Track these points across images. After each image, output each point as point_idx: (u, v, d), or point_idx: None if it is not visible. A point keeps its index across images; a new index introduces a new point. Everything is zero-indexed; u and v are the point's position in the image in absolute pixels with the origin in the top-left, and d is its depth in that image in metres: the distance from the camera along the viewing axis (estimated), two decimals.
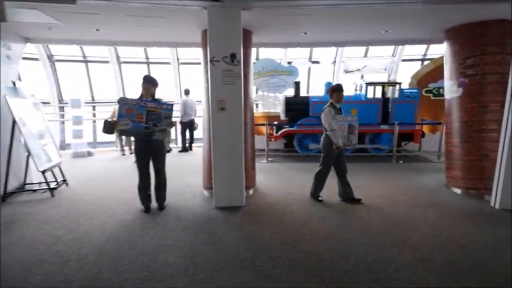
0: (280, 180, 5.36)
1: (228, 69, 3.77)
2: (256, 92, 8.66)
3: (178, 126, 8.31)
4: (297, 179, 5.44)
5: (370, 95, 7.23)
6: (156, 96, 3.78)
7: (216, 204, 3.99)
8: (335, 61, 9.39)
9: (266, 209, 3.94)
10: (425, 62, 8.74)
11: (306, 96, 7.54)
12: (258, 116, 8.34)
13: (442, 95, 7.50)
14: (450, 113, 4.73)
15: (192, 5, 3.56)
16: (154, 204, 3.94)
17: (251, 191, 4.61)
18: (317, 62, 9.48)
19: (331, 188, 4.37)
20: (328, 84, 7.79)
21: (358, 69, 9.31)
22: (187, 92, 7.97)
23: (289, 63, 8.98)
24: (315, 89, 9.78)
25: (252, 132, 4.79)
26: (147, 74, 3.81)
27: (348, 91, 9.08)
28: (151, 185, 3.91)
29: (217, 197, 4.00)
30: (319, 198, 4.23)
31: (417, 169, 6.13)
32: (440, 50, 8.17)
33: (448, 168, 4.79)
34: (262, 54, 9.37)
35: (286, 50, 9.02)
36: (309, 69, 9.73)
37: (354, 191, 4.21)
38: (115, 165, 6.67)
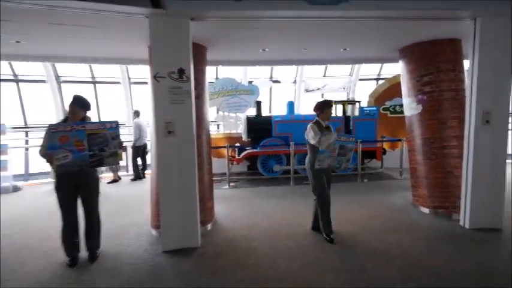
0: (243, 210, 4.80)
1: (176, 86, 3.24)
2: (217, 113, 8.19)
3: (129, 151, 7.42)
4: (262, 206, 4.93)
5: (332, 114, 7.15)
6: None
7: (164, 247, 3.29)
8: (295, 80, 9.37)
9: (226, 249, 3.34)
10: (380, 81, 9.08)
11: (268, 116, 7.23)
12: (218, 138, 7.82)
13: (399, 112, 7.74)
14: (412, 130, 4.67)
15: (129, 12, 3.03)
16: (84, 253, 3.13)
17: (209, 226, 3.98)
18: (278, 82, 9.38)
19: (297, 215, 3.93)
20: (291, 103, 7.62)
21: (319, 88, 9.37)
22: (137, 114, 7.21)
23: (250, 82, 8.73)
24: (276, 108, 9.61)
25: (209, 158, 4.23)
26: (77, 94, 3.08)
27: (309, 110, 9.14)
28: (81, 229, 3.12)
29: (166, 239, 3.31)
30: (331, 237, 3.48)
31: (382, 187, 6.01)
32: (394, 68, 8.60)
33: (414, 187, 4.66)
34: (222, 73, 9.03)
35: (246, 68, 8.79)
36: (270, 88, 9.58)
37: None
38: (46, 203, 5.57)
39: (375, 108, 7.24)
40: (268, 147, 6.81)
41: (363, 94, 8.79)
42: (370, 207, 4.74)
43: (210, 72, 8.70)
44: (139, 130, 7.11)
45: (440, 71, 4.35)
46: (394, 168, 7.13)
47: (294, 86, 9.57)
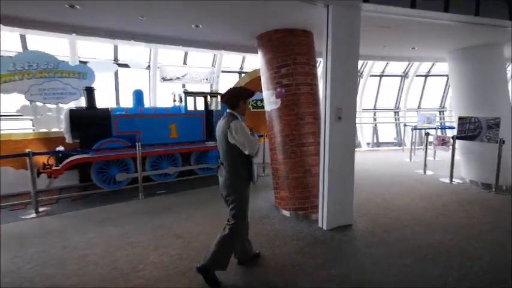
0: (34, 262, 3.03)
1: None
2: (30, 103, 5.53)
3: None
4: (78, 247, 3.29)
5: (191, 107, 6.11)
6: None
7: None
8: (149, 66, 7.75)
9: None
10: (243, 75, 8.81)
11: (104, 109, 5.36)
12: (27, 140, 5.29)
13: (260, 107, 7.63)
14: (272, 127, 4.24)
15: None
16: None
17: None
18: (126, 66, 7.46)
19: (141, 253, 2.64)
20: (138, 93, 6.02)
21: (178, 78, 8.13)
22: None
23: (83, 63, 6.45)
24: (123, 99, 7.68)
25: None
26: None
27: (166, 102, 7.79)
28: None
29: None
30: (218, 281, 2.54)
31: None
32: (256, 63, 8.47)
33: (276, 188, 4.28)
34: (34, 44, 6.25)
35: (75, 43, 6.42)
36: (116, 74, 7.55)
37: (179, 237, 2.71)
38: None
39: None
40: (105, 151, 5.03)
41: (227, 87, 8.25)
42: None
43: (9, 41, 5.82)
44: None
45: (296, 63, 4.05)
46: (258, 164, 6.92)
47: (148, 73, 7.92)
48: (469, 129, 5.45)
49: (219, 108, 6.45)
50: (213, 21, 4.11)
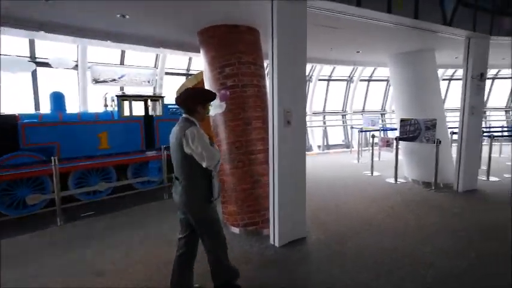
0: None
1: None
2: None
3: None
4: None
5: (127, 113, 5.35)
6: None
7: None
8: (77, 65, 6.71)
9: None
10: (190, 77, 8.20)
11: (9, 116, 4.34)
12: None
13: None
14: (217, 133, 3.80)
15: None
16: None
17: None
18: (46, 65, 6.33)
19: None
20: (57, 96, 5.08)
21: (114, 80, 7.20)
22: None
23: None
24: (45, 104, 6.53)
25: None
26: None
27: (97, 107, 6.80)
28: None
29: None
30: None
31: None
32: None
33: (223, 203, 3.83)
34: None
35: None
36: (34, 73, 6.36)
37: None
38: None
39: None
40: (13, 168, 4.04)
41: (172, 90, 7.57)
42: (172, 241, 3.45)
43: None
44: None
45: (241, 62, 3.68)
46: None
47: (76, 74, 6.86)
48: (409, 131, 5.69)
49: (161, 113, 5.78)
50: (142, 11, 3.54)
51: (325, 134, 11.55)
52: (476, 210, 4.24)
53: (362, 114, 11.76)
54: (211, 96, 2.29)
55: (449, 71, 11.64)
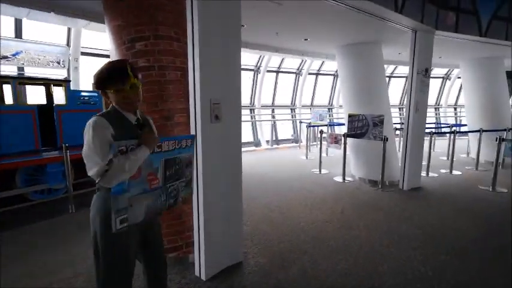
0: None
1: None
2: None
3: None
4: None
5: (11, 101, 4.00)
6: None
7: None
8: None
9: None
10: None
11: None
12: None
13: None
14: None
15: None
16: None
17: None
18: None
19: None
20: None
21: (6, 58, 5.56)
22: None
23: None
24: None
25: None
26: None
27: None
28: None
29: None
30: None
31: None
32: None
33: None
34: None
35: None
36: None
37: None
38: None
39: (96, 94, 4.89)
40: None
41: (90, 75, 6.20)
42: (79, 266, 2.45)
43: None
44: None
45: (159, 36, 2.76)
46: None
47: None
48: (357, 127, 5.40)
49: (65, 102, 4.51)
50: None
51: (274, 129, 11.12)
52: (426, 214, 4.04)
53: (311, 108, 11.60)
54: (116, 72, 1.49)
55: (389, 69, 12.11)
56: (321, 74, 11.55)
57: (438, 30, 4.65)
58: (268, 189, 5.05)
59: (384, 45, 5.73)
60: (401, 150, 5.17)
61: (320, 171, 6.32)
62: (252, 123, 10.51)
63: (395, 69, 12.31)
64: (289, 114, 11.73)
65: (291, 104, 11.50)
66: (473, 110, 7.73)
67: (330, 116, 12.05)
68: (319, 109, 10.12)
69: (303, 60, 10.62)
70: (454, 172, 6.36)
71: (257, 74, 10.13)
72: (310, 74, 11.10)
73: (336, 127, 11.12)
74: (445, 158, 7.80)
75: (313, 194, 4.80)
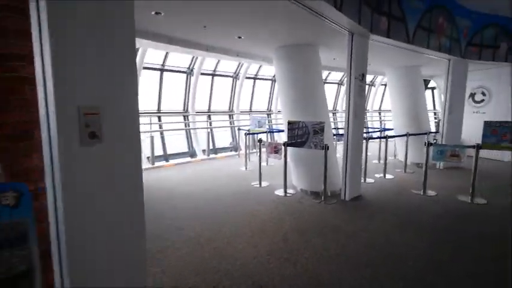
0: None
1: None
2: None
3: None
4: None
5: None
6: None
7: None
8: None
9: None
10: None
11: None
12: None
13: None
14: None
15: None
16: None
17: None
18: None
19: None
20: None
21: None
22: None
23: None
24: None
25: None
26: None
27: None
28: None
29: None
30: None
31: None
32: None
33: None
34: None
35: None
36: None
37: None
38: None
39: None
40: None
41: None
42: None
43: None
44: None
45: None
46: None
47: None
48: (298, 135, 4.97)
49: None
50: None
51: (211, 137, 10.27)
52: (372, 230, 3.73)
53: (250, 114, 11.11)
54: None
55: (323, 75, 12.46)
56: (258, 79, 11.17)
57: (373, 34, 4.51)
58: (200, 214, 4.21)
59: (321, 49, 5.47)
60: (342, 158, 4.90)
61: (260, 184, 5.73)
62: (186, 132, 9.48)
63: (328, 75, 12.72)
64: (227, 120, 11.03)
65: (229, 109, 10.83)
66: (399, 115, 8.18)
67: (269, 122, 11.76)
68: (258, 115, 9.66)
69: (240, 64, 10.07)
70: (388, 176, 6.48)
71: (190, 77, 9.18)
72: (248, 78, 10.62)
73: (275, 134, 10.84)
74: (377, 161, 8.06)
75: (254, 216, 4.14)
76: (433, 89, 13.82)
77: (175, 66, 9.07)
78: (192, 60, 9.00)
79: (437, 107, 13.84)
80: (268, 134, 9.30)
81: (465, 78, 7.24)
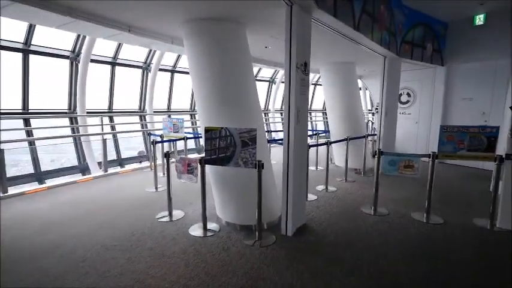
0: None
1: None
2: None
3: None
4: None
5: None
6: None
7: None
8: None
9: None
10: None
11: None
12: None
13: None
14: None
15: None
16: None
17: None
18: None
19: None
20: None
21: None
22: None
23: None
24: None
25: None
26: None
27: None
28: None
29: None
30: None
31: None
32: None
33: None
34: None
35: None
36: None
37: None
38: None
39: None
40: None
41: None
42: None
43: None
44: None
45: None
46: None
47: None
48: (220, 148, 3.43)
49: None
50: None
51: (116, 144, 7.93)
52: None
53: (168, 115, 9.09)
54: None
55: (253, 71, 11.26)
56: (177, 72, 9.24)
57: (319, 9, 3.27)
58: None
59: (249, 30, 4.05)
60: (282, 179, 3.56)
61: (170, 217, 4.01)
62: (75, 140, 6.97)
63: (259, 71, 11.57)
64: (138, 123, 8.80)
65: (140, 109, 8.62)
66: (335, 116, 7.46)
67: (193, 124, 9.93)
68: (174, 116, 7.78)
69: (151, 51, 7.99)
70: (330, 188, 5.53)
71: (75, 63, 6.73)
72: (163, 70, 8.60)
73: (200, 139, 9.11)
74: (314, 168, 7.18)
75: None
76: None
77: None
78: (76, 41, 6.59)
79: (364, 108, 14.20)
80: (189, 141, 7.52)
81: (399, 78, 6.86)
